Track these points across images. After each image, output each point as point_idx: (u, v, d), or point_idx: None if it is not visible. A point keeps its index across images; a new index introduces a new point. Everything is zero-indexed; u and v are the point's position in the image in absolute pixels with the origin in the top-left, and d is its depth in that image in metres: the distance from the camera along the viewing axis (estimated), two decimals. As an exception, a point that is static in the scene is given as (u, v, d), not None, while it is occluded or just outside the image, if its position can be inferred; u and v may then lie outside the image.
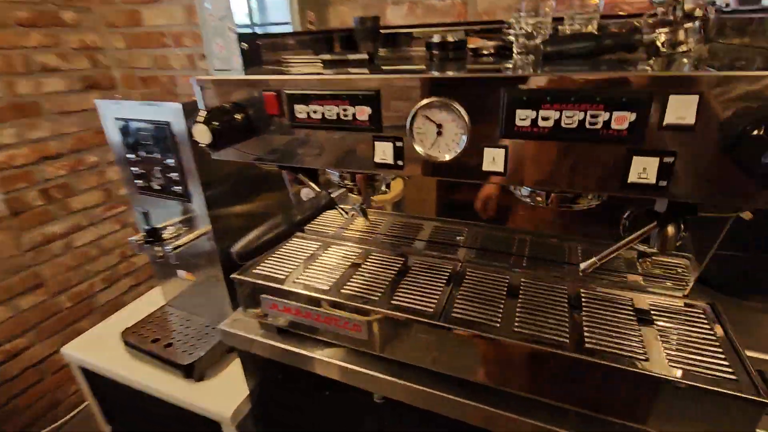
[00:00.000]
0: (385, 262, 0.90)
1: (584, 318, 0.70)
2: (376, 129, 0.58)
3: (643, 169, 0.47)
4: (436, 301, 0.76)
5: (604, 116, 0.46)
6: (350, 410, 0.94)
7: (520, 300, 0.75)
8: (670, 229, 0.55)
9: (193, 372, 1.08)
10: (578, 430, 0.63)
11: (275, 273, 0.88)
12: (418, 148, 0.57)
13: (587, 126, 0.47)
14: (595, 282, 0.79)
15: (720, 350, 0.61)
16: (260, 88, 0.64)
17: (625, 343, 0.64)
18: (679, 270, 0.73)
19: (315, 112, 0.61)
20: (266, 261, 0.93)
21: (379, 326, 0.75)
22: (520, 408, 0.67)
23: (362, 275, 0.86)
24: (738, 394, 0.53)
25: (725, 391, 0.53)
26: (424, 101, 0.54)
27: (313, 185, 0.77)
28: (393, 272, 0.86)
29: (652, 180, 0.47)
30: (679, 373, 0.57)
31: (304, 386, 0.96)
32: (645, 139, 0.46)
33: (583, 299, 0.74)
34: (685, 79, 0.43)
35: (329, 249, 0.97)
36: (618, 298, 0.74)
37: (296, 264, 0.91)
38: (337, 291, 0.81)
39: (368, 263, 0.90)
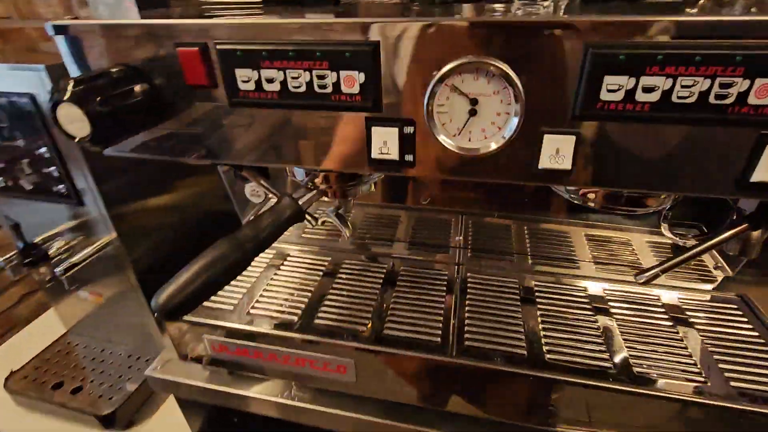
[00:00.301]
0: (363, 271, 0.71)
1: (619, 327, 0.58)
2: (373, 107, 0.38)
3: (781, 163, 0.32)
4: (440, 323, 0.60)
5: (741, 85, 0.30)
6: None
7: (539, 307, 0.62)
8: (757, 234, 0.42)
9: (114, 422, 0.84)
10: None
11: (222, 300, 0.66)
12: (441, 137, 0.38)
13: (712, 101, 0.31)
14: (617, 279, 0.67)
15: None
16: (172, 41, 0.39)
17: (674, 360, 0.53)
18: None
19: (270, 80, 0.38)
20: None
21: (373, 366, 0.58)
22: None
23: (338, 292, 0.67)
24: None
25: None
26: (455, 62, 0.34)
27: (269, 188, 0.55)
28: (376, 284, 0.68)
29: (791, 178, 0.33)
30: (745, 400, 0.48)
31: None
32: (790, 117, 0.31)
33: (609, 301, 0.63)
34: None
35: (288, 258, 0.76)
36: (646, 296, 0.63)
37: (248, 282, 0.69)
38: (311, 320, 0.61)
39: (342, 273, 0.71)
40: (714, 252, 0.66)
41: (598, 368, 0.52)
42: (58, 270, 0.76)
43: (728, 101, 0.31)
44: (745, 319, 0.58)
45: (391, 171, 0.41)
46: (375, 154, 0.39)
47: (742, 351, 0.54)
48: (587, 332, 0.57)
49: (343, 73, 0.36)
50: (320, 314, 0.62)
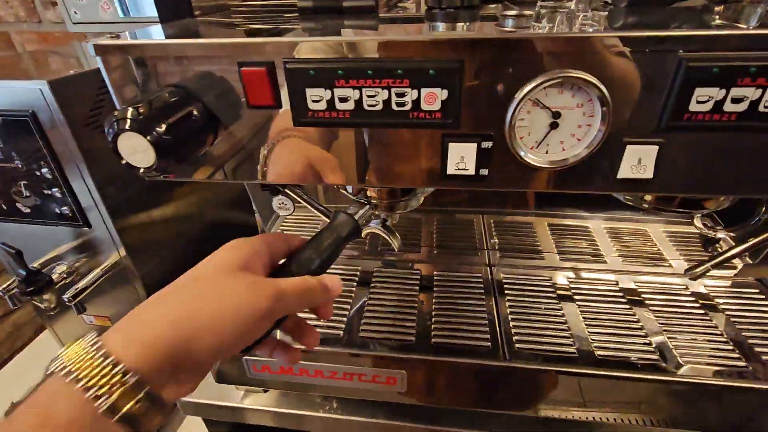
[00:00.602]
0: (397, 279, 0.71)
1: (657, 318, 0.60)
2: (452, 124, 0.37)
3: None
4: (486, 327, 0.60)
5: (826, 95, 0.31)
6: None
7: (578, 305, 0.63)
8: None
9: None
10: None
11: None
12: (521, 151, 0.37)
13: (793, 109, 0.32)
14: (638, 271, 0.70)
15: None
16: (232, 60, 0.36)
17: (715, 347, 0.56)
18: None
19: (344, 99, 0.36)
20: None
21: (424, 375, 0.57)
22: None
23: (377, 301, 0.66)
24: None
25: None
26: (543, 78, 0.34)
27: (312, 203, 0.53)
28: (413, 291, 0.68)
29: None
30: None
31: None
32: None
33: (643, 295, 0.65)
34: None
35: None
36: (678, 288, 0.66)
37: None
38: (355, 332, 0.60)
39: (377, 282, 0.70)
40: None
41: (648, 359, 0.54)
42: (66, 296, 0.72)
43: (809, 110, 0.32)
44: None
45: (464, 186, 0.40)
46: (451, 169, 0.39)
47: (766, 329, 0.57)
48: (622, 324, 0.59)
49: (424, 91, 0.35)
50: (363, 326, 0.61)
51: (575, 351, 0.55)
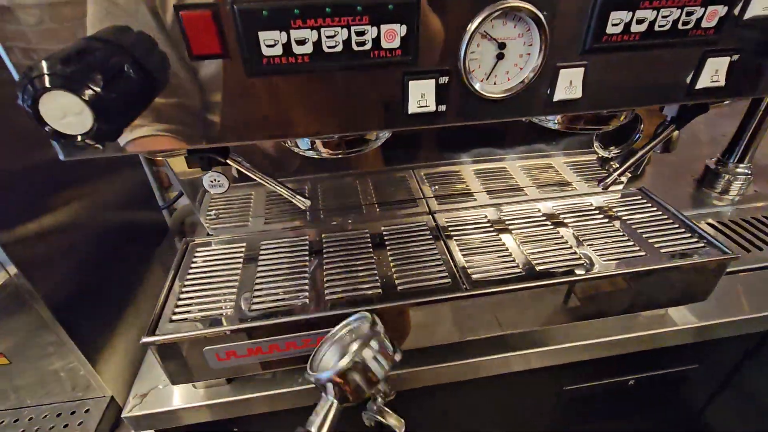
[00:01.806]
0: (349, 240, 0.71)
1: (575, 232, 0.70)
2: (411, 62, 0.38)
3: (716, 72, 0.43)
4: (443, 266, 0.64)
5: (698, 12, 0.39)
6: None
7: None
8: (677, 133, 0.56)
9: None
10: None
11: (210, 308, 0.59)
12: (476, 83, 0.40)
13: (680, 26, 0.40)
14: (553, 197, 0.81)
15: (677, 225, 0.71)
16: (170, 3, 0.32)
17: (621, 245, 0.67)
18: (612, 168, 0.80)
19: (302, 42, 0.34)
20: (179, 299, 0.61)
21: (397, 321, 0.60)
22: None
23: (334, 265, 0.66)
24: (725, 257, 0.62)
25: (716, 258, 0.62)
26: (491, 9, 0.36)
27: (266, 177, 0.50)
28: (368, 248, 0.69)
29: (721, 82, 0.44)
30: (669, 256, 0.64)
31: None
32: (724, 36, 0.42)
33: (561, 215, 0.75)
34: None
35: (264, 245, 0.70)
36: (586, 206, 0.77)
37: (230, 284, 0.63)
38: (321, 297, 0.60)
39: (329, 247, 0.70)
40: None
41: (578, 264, 0.63)
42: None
43: (690, 25, 0.40)
44: (649, 204, 0.77)
45: (426, 124, 0.42)
46: (413, 108, 0.40)
47: (655, 226, 0.71)
48: (551, 242, 0.69)
49: (384, 28, 0.35)
50: (327, 290, 0.61)
51: (522, 270, 0.62)
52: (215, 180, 0.61)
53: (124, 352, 0.74)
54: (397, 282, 0.61)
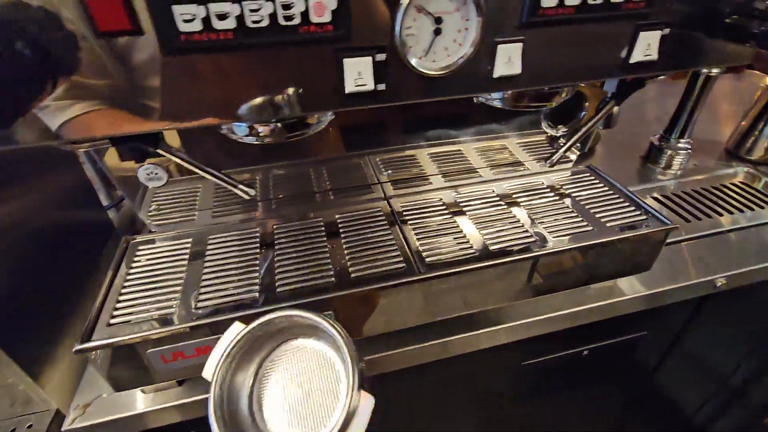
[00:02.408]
0: (302, 230, 0.69)
1: (528, 211, 0.72)
2: (344, 37, 0.36)
3: (648, 46, 0.44)
4: (398, 251, 0.63)
5: (629, -14, 0.40)
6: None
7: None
8: (617, 108, 0.57)
9: None
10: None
11: (153, 309, 0.55)
12: (413, 60, 0.39)
13: (612, 1, 0.40)
14: (506, 177, 0.81)
15: (622, 200, 0.73)
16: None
17: (571, 221, 0.69)
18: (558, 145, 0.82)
19: (223, 16, 0.32)
20: (118, 301, 0.57)
21: (352, 309, 0.59)
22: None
23: (287, 256, 0.63)
24: (666, 227, 0.65)
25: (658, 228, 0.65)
26: (424, -20, 0.35)
27: (193, 163, 0.47)
28: (321, 237, 0.67)
29: (654, 56, 0.45)
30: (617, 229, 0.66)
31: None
32: (655, 10, 0.42)
33: (514, 195, 0.76)
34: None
35: (212, 240, 0.67)
36: (538, 185, 0.78)
37: (175, 283, 0.60)
38: (273, 291, 0.57)
39: (280, 238, 0.67)
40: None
41: (530, 242, 0.64)
42: None
43: (620, 0, 0.40)
44: (597, 181, 0.79)
45: (365, 104, 0.40)
46: (350, 87, 0.38)
47: (603, 201, 0.73)
48: (505, 222, 0.69)
49: (312, 1, 0.33)
50: (279, 283, 0.59)
51: (476, 251, 0.63)
52: (152, 173, 0.57)
53: (69, 361, 0.69)
54: (350, 270, 0.60)
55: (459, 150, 0.85)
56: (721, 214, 0.93)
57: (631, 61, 0.45)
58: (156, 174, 0.57)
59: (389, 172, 0.77)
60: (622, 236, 0.63)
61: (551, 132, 0.71)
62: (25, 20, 0.29)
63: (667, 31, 0.44)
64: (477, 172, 0.82)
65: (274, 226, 0.70)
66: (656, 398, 1.14)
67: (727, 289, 0.79)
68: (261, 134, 0.47)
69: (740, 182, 1.06)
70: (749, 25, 0.45)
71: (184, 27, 0.32)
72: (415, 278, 0.57)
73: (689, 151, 1.07)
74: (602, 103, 0.57)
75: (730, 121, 1.35)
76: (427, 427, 0.91)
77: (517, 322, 0.69)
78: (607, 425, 1.20)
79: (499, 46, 0.40)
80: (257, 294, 0.57)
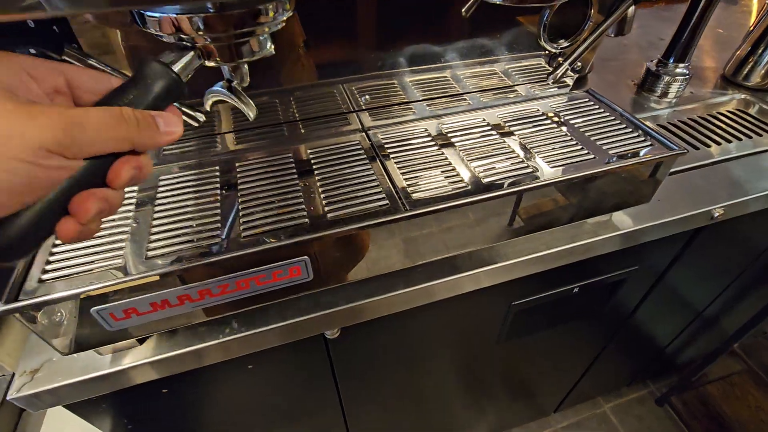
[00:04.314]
0: (266, 167, 0.60)
1: (523, 140, 0.64)
2: None
3: None
4: (379, 188, 0.56)
5: None
6: (306, 364, 0.73)
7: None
8: (632, 9, 0.49)
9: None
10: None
11: (94, 260, 0.47)
12: None
13: None
14: (503, 103, 0.73)
15: (624, 125, 0.67)
16: None
17: (570, 150, 0.62)
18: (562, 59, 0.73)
19: None
20: (51, 253, 0.48)
21: (329, 253, 0.52)
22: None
23: (251, 196, 0.55)
24: (674, 152, 0.59)
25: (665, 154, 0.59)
26: None
27: (101, 64, 0.36)
28: (292, 174, 0.59)
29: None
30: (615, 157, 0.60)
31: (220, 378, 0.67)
32: None
33: (507, 125, 0.68)
34: None
35: (163, 182, 0.58)
36: (533, 112, 0.71)
37: (120, 231, 0.51)
38: (236, 236, 0.50)
39: (244, 177, 0.58)
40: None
41: (525, 173, 0.57)
42: None
43: None
44: (596, 106, 0.72)
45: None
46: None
47: (604, 127, 0.66)
48: (498, 153, 0.62)
49: None
50: (245, 226, 0.51)
51: (467, 184, 0.56)
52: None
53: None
54: (326, 210, 0.53)
55: (444, 75, 0.75)
56: (718, 143, 0.88)
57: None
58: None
59: (366, 97, 0.67)
60: (628, 163, 0.57)
61: (550, 48, 0.62)
62: None
63: None
64: (465, 98, 0.73)
65: (237, 164, 0.60)
66: (635, 331, 1.16)
67: (723, 219, 0.76)
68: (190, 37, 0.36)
69: (735, 109, 1.00)
70: None
71: None
72: (400, 216, 0.51)
73: (687, 76, 1.00)
74: (615, 4, 0.49)
75: (725, 48, 1.28)
76: (412, 371, 0.89)
77: (510, 262, 0.64)
78: (585, 359, 1.23)
79: None
80: (219, 240, 0.49)
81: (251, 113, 0.44)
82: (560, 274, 0.73)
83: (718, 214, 0.73)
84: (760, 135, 0.90)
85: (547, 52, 0.64)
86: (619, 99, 1.02)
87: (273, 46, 0.42)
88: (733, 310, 1.26)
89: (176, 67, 0.34)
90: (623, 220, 0.70)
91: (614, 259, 0.79)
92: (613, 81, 1.09)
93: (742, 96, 1.03)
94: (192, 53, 0.36)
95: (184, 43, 0.36)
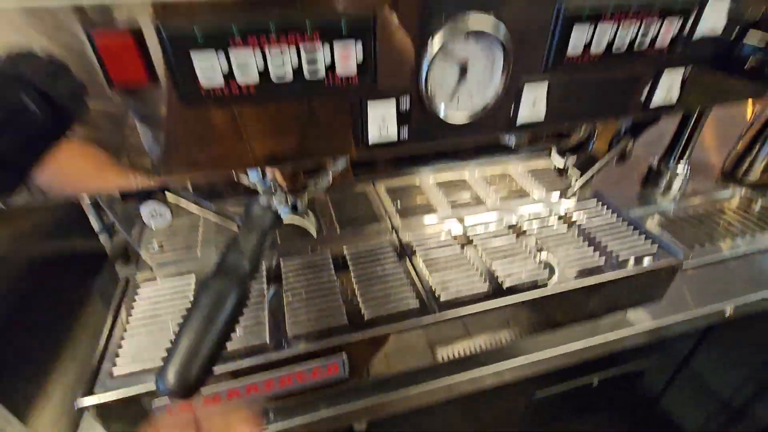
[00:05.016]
0: (310, 265, 0.67)
1: (538, 241, 0.70)
2: (370, 85, 0.34)
3: (670, 86, 0.44)
4: (410, 288, 0.62)
5: (654, 30, 0.39)
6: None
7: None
8: (631, 142, 0.57)
9: None
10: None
11: (158, 356, 0.52)
12: (440, 104, 0.38)
13: (636, 46, 0.40)
14: (513, 206, 0.81)
15: (632, 228, 0.73)
16: (79, 24, 0.27)
17: (581, 254, 0.68)
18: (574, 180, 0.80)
19: (244, 66, 0.30)
20: (119, 347, 0.54)
21: (364, 352, 0.56)
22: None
23: (297, 294, 0.61)
24: (677, 260, 0.64)
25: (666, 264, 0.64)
26: (453, 25, 0.34)
27: (210, 206, 0.45)
28: (331, 273, 0.65)
29: (674, 98, 0.45)
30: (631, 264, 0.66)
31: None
32: (676, 55, 0.42)
33: (524, 225, 0.75)
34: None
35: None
36: (547, 215, 0.78)
37: (165, 325, 0.57)
38: (282, 334, 0.55)
39: (291, 273, 0.65)
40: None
41: (541, 278, 0.63)
42: None
43: (645, 44, 0.40)
44: (604, 209, 0.78)
45: (387, 149, 0.39)
46: (374, 135, 0.37)
47: (610, 231, 0.72)
48: (515, 254, 0.68)
49: (339, 48, 0.32)
50: (290, 324, 0.56)
51: (489, 286, 0.61)
52: (155, 211, 0.55)
53: (61, 403, 0.65)
54: (363, 310, 0.58)
55: (464, 180, 0.84)
56: (722, 240, 0.93)
57: (652, 105, 0.45)
58: (159, 212, 0.55)
59: (398, 201, 0.75)
60: (635, 272, 0.62)
61: (559, 163, 0.70)
62: (28, 72, 0.27)
63: (687, 73, 0.44)
64: (483, 201, 0.81)
65: (281, 261, 0.67)
66: (660, 422, 1.13)
67: (734, 317, 0.79)
68: (276, 179, 0.45)
69: (737, 207, 1.07)
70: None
71: (206, 82, 0.30)
72: (431, 321, 0.55)
73: (687, 174, 1.08)
74: (617, 137, 0.57)
75: (723, 143, 1.37)
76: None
77: (531, 359, 0.67)
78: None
79: (526, 85, 0.39)
80: (266, 337, 0.54)
81: (314, 230, 0.51)
82: (578, 367, 0.75)
83: (729, 312, 0.76)
84: (762, 234, 0.95)
85: (555, 167, 0.73)
86: (625, 193, 1.10)
87: (331, 178, 0.51)
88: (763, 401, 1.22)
89: (273, 205, 0.42)
90: (635, 317, 0.73)
91: (630, 353, 0.81)
92: (619, 176, 1.17)
93: (743, 192, 1.10)
94: (279, 192, 0.44)
95: (273, 186, 0.45)
